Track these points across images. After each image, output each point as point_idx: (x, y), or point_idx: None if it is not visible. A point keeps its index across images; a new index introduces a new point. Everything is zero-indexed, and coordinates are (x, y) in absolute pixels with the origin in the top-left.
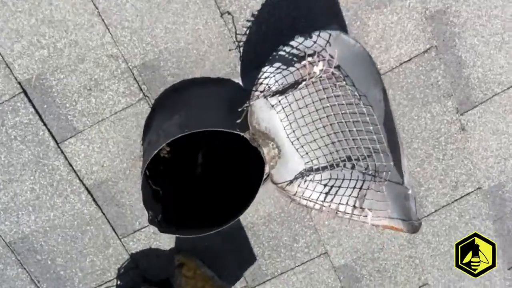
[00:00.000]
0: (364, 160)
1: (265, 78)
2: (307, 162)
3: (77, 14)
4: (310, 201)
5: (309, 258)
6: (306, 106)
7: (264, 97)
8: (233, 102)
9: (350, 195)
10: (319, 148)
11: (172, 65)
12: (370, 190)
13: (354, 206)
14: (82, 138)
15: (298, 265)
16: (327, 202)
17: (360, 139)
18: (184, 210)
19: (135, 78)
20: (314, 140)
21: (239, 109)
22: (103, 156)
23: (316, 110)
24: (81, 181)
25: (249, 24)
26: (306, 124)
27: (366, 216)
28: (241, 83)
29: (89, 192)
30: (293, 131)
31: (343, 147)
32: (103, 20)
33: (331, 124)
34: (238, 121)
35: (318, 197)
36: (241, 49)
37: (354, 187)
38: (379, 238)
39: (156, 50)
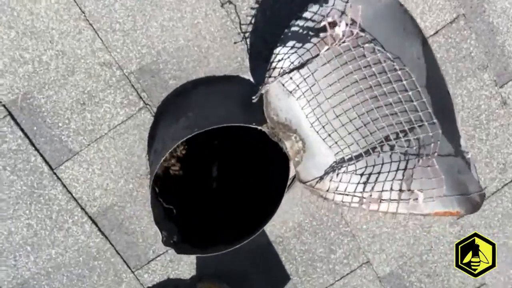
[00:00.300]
0: (405, 136)
1: (279, 60)
2: (338, 153)
3: (61, 21)
4: (347, 194)
5: (349, 270)
6: (330, 86)
7: (281, 76)
8: (246, 99)
9: (393, 179)
10: (350, 134)
11: (172, 67)
12: (417, 168)
13: (401, 190)
14: (79, 160)
15: (338, 280)
16: (366, 192)
17: (399, 112)
18: (202, 227)
19: (132, 86)
20: (343, 125)
21: (253, 97)
22: (105, 178)
23: (342, 89)
24: (83, 209)
25: (253, 12)
26: (332, 108)
27: (416, 199)
28: (251, 79)
29: (93, 221)
30: (317, 119)
31: (378, 127)
32: (91, 24)
33: (362, 102)
34: (254, 99)
35: (356, 189)
36: (248, 40)
37: (397, 170)
38: (425, 238)
39: (153, 52)
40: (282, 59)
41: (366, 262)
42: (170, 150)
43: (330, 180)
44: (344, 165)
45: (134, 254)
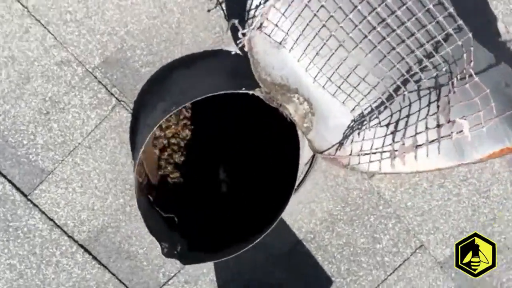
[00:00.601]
0: (431, 59)
1: (257, 6)
2: (354, 108)
3: (3, 22)
4: (374, 153)
5: (402, 259)
6: (325, 22)
7: (261, 23)
8: (232, 71)
9: (427, 116)
10: (363, 79)
11: (142, 52)
12: (453, 92)
13: (439, 125)
14: (55, 180)
15: (391, 273)
16: (397, 142)
17: (416, 30)
18: (211, 233)
19: (100, 82)
20: (353, 71)
21: (238, 42)
22: (90, 196)
23: (341, 22)
24: (70, 237)
25: None
26: (334, 52)
27: (461, 131)
28: (237, 50)
29: (85, 249)
30: (320, 70)
31: (396, 60)
32: (38, 20)
33: (368, 33)
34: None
35: (384, 143)
36: (223, 5)
37: (428, 104)
38: (485, 206)
39: (116, 38)
40: (260, 3)
41: (420, 246)
42: (147, 139)
43: (352, 142)
44: (364, 121)
45: (141, 281)
